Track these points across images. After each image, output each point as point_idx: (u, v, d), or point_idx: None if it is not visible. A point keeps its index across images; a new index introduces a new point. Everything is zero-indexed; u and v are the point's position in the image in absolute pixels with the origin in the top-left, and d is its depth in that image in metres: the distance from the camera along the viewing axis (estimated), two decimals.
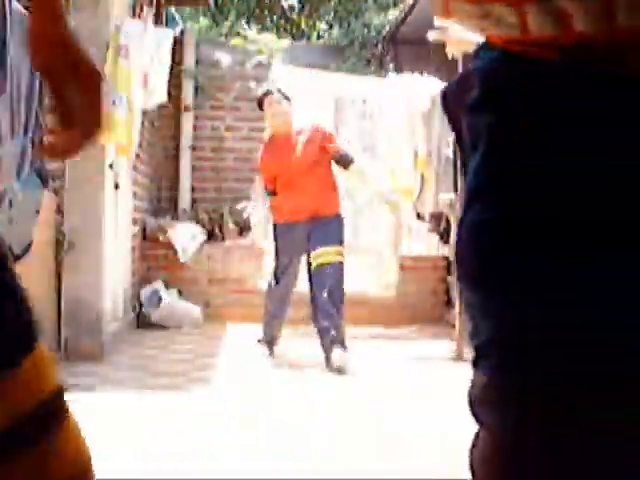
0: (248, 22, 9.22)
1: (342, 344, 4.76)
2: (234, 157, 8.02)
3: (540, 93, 0.73)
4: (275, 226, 5.11)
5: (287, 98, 5.07)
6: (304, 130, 5.08)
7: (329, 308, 4.75)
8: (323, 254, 4.82)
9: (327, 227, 4.89)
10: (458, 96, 0.85)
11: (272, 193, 5.10)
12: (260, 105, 5.14)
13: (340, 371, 4.62)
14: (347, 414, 3.67)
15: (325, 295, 4.76)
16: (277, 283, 5.04)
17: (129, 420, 3.45)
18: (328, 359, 4.72)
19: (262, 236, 6.37)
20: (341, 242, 4.92)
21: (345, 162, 5.10)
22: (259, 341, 5.26)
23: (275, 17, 9.71)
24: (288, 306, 5.16)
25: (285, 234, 5.00)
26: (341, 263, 4.87)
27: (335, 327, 4.75)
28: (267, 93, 5.09)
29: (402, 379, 4.56)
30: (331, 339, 4.73)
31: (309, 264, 4.92)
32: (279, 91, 5.10)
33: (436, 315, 6.84)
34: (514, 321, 0.74)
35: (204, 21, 9.37)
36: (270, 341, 5.19)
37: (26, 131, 3.94)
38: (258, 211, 6.38)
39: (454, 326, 5.32)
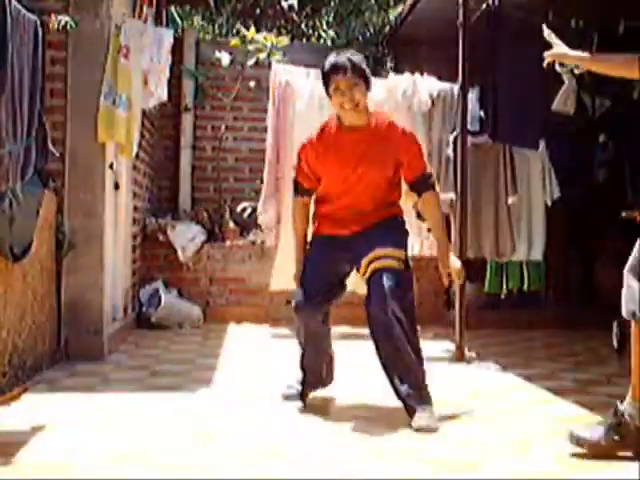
0: (245, 21, 9.22)
1: None
2: (234, 157, 8.02)
3: None
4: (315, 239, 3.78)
5: (366, 78, 3.51)
6: (377, 121, 3.60)
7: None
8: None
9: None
10: None
11: (305, 193, 3.75)
12: (326, 80, 3.55)
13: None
14: (347, 414, 3.66)
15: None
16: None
17: (129, 420, 3.45)
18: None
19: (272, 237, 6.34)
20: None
21: (426, 187, 3.65)
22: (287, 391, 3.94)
23: (274, 17, 9.74)
24: (325, 346, 3.88)
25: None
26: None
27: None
28: (335, 68, 3.48)
29: None
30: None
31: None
32: (353, 67, 3.47)
33: (436, 315, 6.84)
34: None
35: (197, 20, 9.38)
36: (301, 383, 3.85)
37: (29, 132, 3.94)
38: (268, 211, 6.35)
39: (454, 326, 5.32)
